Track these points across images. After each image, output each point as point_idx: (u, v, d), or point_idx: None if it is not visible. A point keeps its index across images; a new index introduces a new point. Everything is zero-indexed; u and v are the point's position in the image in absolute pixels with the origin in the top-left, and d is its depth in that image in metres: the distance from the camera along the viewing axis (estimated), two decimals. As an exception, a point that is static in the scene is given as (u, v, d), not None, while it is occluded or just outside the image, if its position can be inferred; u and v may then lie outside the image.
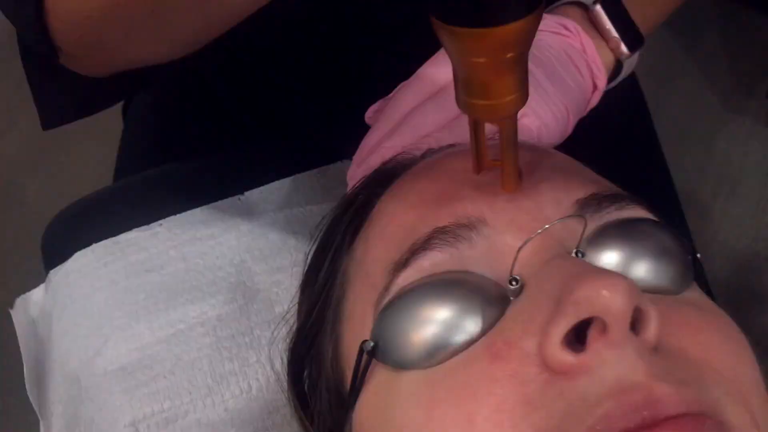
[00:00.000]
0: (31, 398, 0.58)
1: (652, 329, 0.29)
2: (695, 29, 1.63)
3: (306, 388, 0.45)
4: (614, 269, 0.34)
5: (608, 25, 0.55)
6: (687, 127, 1.56)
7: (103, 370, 0.54)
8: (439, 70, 0.50)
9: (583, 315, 0.28)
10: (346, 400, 0.38)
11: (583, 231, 0.34)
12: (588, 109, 0.56)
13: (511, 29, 0.29)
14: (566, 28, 0.54)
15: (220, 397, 0.54)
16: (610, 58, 0.56)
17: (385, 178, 0.43)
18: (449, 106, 0.49)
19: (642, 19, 0.57)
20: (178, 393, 0.54)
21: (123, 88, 0.56)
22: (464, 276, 0.34)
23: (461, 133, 0.47)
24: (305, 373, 0.45)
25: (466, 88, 0.33)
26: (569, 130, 0.54)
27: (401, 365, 0.34)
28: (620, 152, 0.79)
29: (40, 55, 0.49)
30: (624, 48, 0.56)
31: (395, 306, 0.35)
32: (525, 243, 0.33)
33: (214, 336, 0.56)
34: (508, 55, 0.31)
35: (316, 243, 0.46)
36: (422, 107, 0.50)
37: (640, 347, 0.29)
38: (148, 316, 0.56)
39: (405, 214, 0.38)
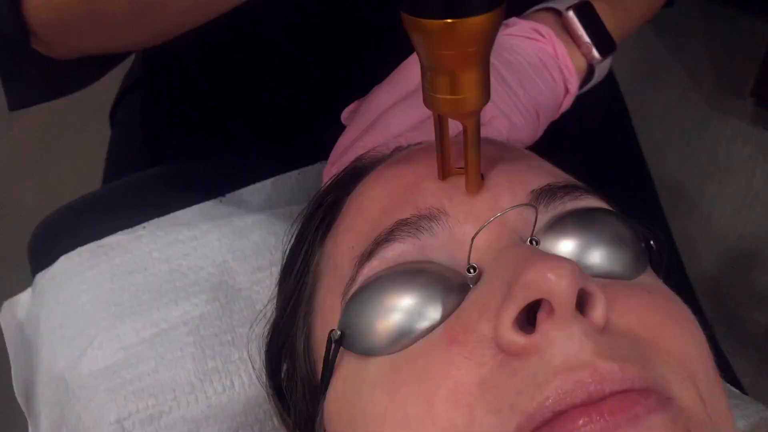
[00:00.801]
0: (19, 400, 0.59)
1: (598, 310, 0.31)
2: (679, 29, 1.65)
3: (283, 381, 0.46)
4: (569, 256, 0.36)
5: (580, 30, 0.57)
6: (673, 126, 1.58)
7: (89, 370, 0.55)
8: (411, 73, 0.52)
9: (531, 297, 0.30)
10: (318, 390, 0.40)
11: (535, 219, 0.36)
12: (560, 111, 0.58)
13: (475, 22, 0.32)
14: (539, 33, 0.56)
15: (203, 394, 0.55)
16: (582, 63, 0.58)
17: (354, 175, 0.45)
18: (421, 106, 0.50)
19: (614, 26, 0.58)
20: (162, 390, 0.55)
21: (93, 71, 0.56)
22: (426, 265, 0.36)
23: (431, 132, 0.49)
24: (283, 368, 0.47)
25: (432, 83, 0.35)
26: (539, 132, 0.56)
27: (367, 352, 0.35)
28: (599, 153, 0.80)
29: (10, 36, 0.49)
30: (596, 53, 0.57)
31: (361, 295, 0.36)
32: (478, 232, 0.34)
33: (197, 335, 0.57)
34: (471, 49, 0.33)
35: (291, 240, 0.47)
36: (394, 108, 0.51)
37: (587, 327, 0.30)
38: (132, 316, 0.57)
39: (371, 208, 0.40)
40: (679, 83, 1.64)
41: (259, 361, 0.47)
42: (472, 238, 0.34)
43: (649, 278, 0.37)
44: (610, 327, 0.32)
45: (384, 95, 0.52)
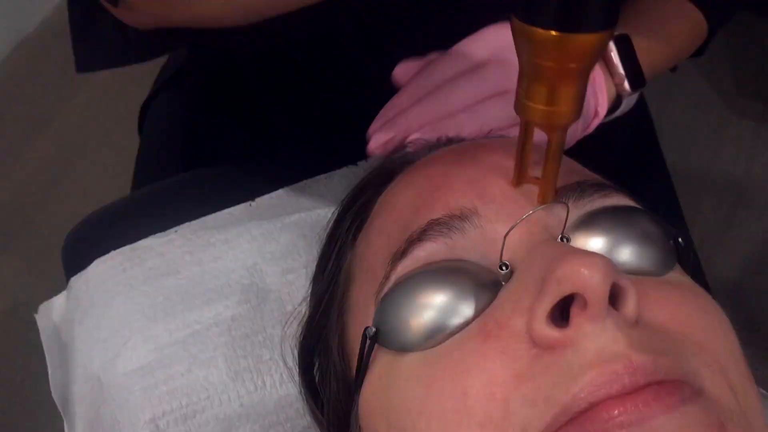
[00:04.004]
0: (56, 400, 0.61)
1: (630, 304, 0.32)
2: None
3: (316, 379, 0.47)
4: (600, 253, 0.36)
5: (617, 61, 0.58)
6: (692, 131, 1.58)
7: (123, 371, 0.57)
8: (477, 49, 0.52)
9: (565, 292, 0.31)
10: (352, 386, 0.40)
11: (566, 216, 0.37)
12: (585, 133, 0.59)
13: (586, 39, 0.32)
14: None
15: (235, 393, 0.56)
16: (612, 92, 0.59)
17: (385, 176, 0.46)
18: (480, 85, 0.51)
19: (647, 64, 0.60)
20: (195, 390, 0.56)
21: (163, 44, 0.57)
22: (458, 264, 0.37)
23: (483, 118, 0.50)
24: (315, 366, 0.48)
25: (528, 91, 0.35)
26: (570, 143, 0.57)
27: (402, 348, 0.36)
28: (620, 155, 0.81)
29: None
30: (627, 86, 0.59)
31: (394, 294, 0.37)
32: (510, 230, 0.35)
33: (228, 335, 0.58)
34: (575, 65, 0.33)
35: (323, 241, 0.48)
36: (454, 81, 0.52)
37: (620, 321, 0.31)
38: (165, 318, 0.59)
39: (402, 209, 0.41)
40: (698, 87, 1.64)
41: (292, 359, 0.48)
42: (505, 236, 0.35)
43: (677, 275, 0.38)
44: (642, 321, 0.32)
45: (445, 66, 0.53)
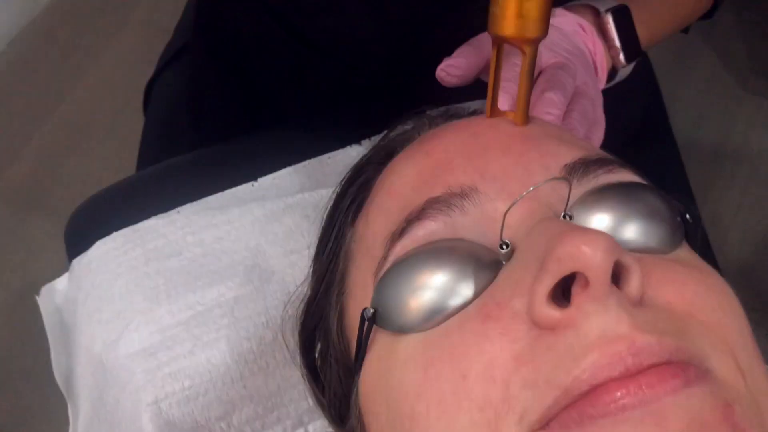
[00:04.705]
0: (59, 383, 0.60)
1: (634, 283, 0.30)
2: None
3: (317, 361, 0.47)
4: (604, 231, 0.35)
5: (614, 34, 0.58)
6: (704, 109, 1.56)
7: (126, 353, 0.56)
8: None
9: (565, 271, 0.30)
10: (352, 368, 0.40)
11: (569, 193, 0.36)
12: None
13: None
14: (582, 28, 0.56)
15: (238, 374, 0.56)
16: (608, 64, 0.59)
17: (384, 155, 0.45)
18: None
19: (645, 34, 0.59)
20: (198, 372, 0.55)
21: None
22: (457, 243, 0.36)
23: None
24: (317, 347, 0.47)
25: (501, 5, 0.39)
26: None
27: (400, 329, 0.35)
28: (630, 133, 0.80)
29: None
30: (622, 58, 0.58)
31: (393, 274, 0.36)
32: (510, 207, 0.34)
33: (231, 317, 0.58)
34: None
35: (323, 221, 0.47)
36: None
37: (623, 300, 0.30)
38: (167, 299, 0.58)
39: (401, 187, 0.40)
40: (711, 66, 1.62)
41: (293, 341, 0.47)
42: (504, 214, 0.34)
43: (685, 252, 0.37)
44: (646, 300, 0.31)
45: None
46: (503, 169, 0.37)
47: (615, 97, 0.62)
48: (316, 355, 0.46)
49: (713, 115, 1.56)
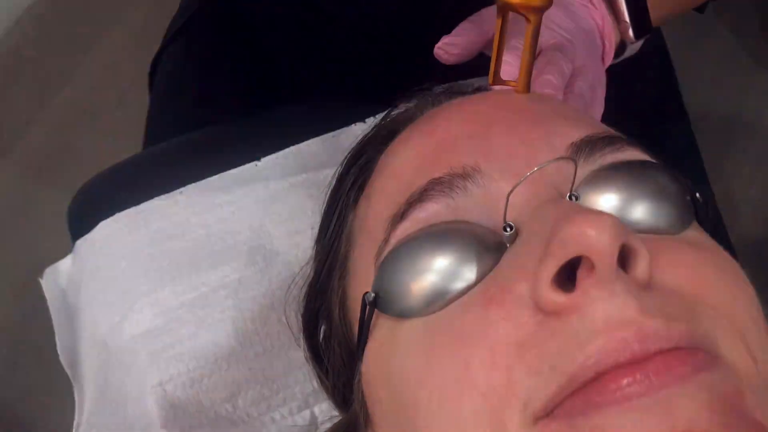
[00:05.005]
0: (64, 365, 0.60)
1: (642, 266, 0.30)
2: (723, -15, 1.60)
3: (321, 344, 0.46)
4: (610, 211, 0.34)
5: (623, 7, 0.56)
6: (717, 85, 1.54)
7: (130, 335, 0.56)
8: None
9: (570, 254, 0.29)
10: (355, 353, 0.39)
11: (575, 173, 0.35)
12: None
13: None
14: (591, 2, 0.55)
15: (243, 356, 0.55)
16: (617, 39, 0.57)
17: (387, 135, 0.44)
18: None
19: (656, 11, 0.57)
20: (202, 354, 0.55)
21: None
22: (461, 225, 0.35)
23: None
24: (320, 330, 0.46)
25: None
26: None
27: (402, 314, 0.35)
28: (641, 108, 0.79)
29: None
30: (631, 33, 0.56)
31: (394, 257, 0.35)
32: (513, 188, 0.33)
33: (236, 298, 0.57)
34: None
35: (326, 202, 0.47)
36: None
37: (630, 284, 0.29)
38: (171, 281, 0.58)
39: (403, 168, 0.39)
40: (724, 41, 1.60)
41: (297, 324, 0.47)
42: (508, 195, 0.33)
43: (695, 232, 0.36)
44: (654, 283, 0.30)
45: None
46: (507, 149, 0.36)
47: (628, 73, 0.61)
48: (320, 339, 0.46)
49: (726, 90, 1.54)
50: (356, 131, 0.63)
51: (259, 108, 0.74)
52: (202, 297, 0.57)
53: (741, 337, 0.31)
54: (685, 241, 0.34)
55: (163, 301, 0.57)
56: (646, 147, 0.39)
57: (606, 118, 0.64)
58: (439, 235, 0.35)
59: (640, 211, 0.35)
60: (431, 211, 0.36)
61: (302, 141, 0.64)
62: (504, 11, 0.41)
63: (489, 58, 0.49)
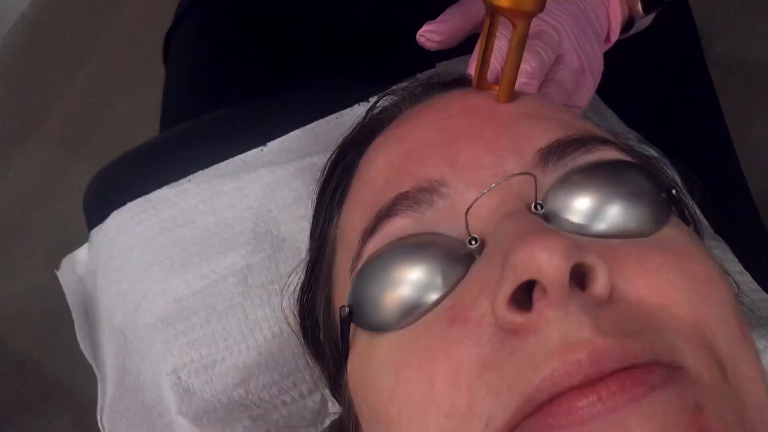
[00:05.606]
0: (84, 351, 0.62)
1: (599, 282, 0.29)
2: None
3: (317, 339, 0.47)
4: (579, 217, 0.34)
5: None
6: (748, 29, 1.49)
7: (144, 323, 0.58)
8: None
9: (522, 278, 0.29)
10: (342, 357, 0.40)
11: (535, 187, 0.34)
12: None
13: None
14: None
15: (254, 342, 0.56)
16: (625, 13, 0.55)
17: (366, 134, 0.44)
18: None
19: None
20: (214, 340, 0.56)
21: None
22: (430, 238, 0.35)
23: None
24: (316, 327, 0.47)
25: None
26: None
27: (376, 329, 0.35)
28: (668, 83, 0.77)
29: None
30: (640, 7, 0.55)
31: (365, 272, 0.36)
32: (470, 206, 0.34)
33: (245, 285, 0.58)
34: None
35: (314, 203, 0.47)
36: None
37: (587, 303, 0.29)
38: (183, 269, 0.59)
39: (375, 178, 0.39)
40: (748, 10, 1.54)
41: (294, 321, 0.48)
42: (466, 213, 0.34)
43: (670, 231, 0.35)
44: (616, 296, 0.30)
45: None
46: (473, 158, 0.36)
47: (648, 34, 0.59)
48: (317, 335, 0.46)
49: (750, 61, 1.49)
50: (359, 111, 0.63)
51: (271, 83, 0.74)
52: (213, 284, 0.58)
53: (707, 345, 0.30)
54: (654, 245, 0.34)
55: (175, 289, 0.58)
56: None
57: (624, 80, 0.63)
58: (408, 249, 0.35)
59: (610, 215, 0.34)
60: (400, 226, 0.36)
61: (307, 123, 0.64)
62: (492, 11, 0.39)
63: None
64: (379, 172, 0.39)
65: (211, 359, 0.56)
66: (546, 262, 0.28)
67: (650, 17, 0.57)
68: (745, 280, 0.61)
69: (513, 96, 0.40)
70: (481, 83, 0.41)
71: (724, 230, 0.65)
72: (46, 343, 1.28)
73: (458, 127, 0.38)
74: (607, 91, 0.68)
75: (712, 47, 1.32)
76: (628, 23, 0.56)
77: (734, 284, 0.42)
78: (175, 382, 0.55)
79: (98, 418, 0.61)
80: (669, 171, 0.45)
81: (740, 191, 0.75)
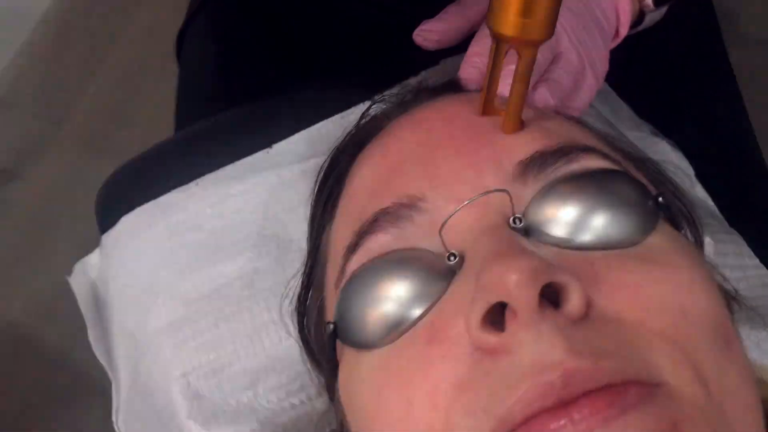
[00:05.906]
0: (97, 354, 0.63)
1: (573, 301, 0.29)
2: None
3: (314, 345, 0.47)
4: (561, 228, 0.34)
5: None
6: (763, 37, 1.45)
7: (154, 328, 0.58)
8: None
9: (493, 300, 0.29)
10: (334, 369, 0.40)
11: (511, 203, 0.34)
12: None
13: None
14: None
15: (261, 345, 0.57)
16: (635, 8, 0.54)
17: (357, 142, 0.44)
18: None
19: None
20: (222, 344, 0.57)
21: None
22: (411, 253, 0.35)
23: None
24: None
25: (504, 2, 0.35)
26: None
27: (360, 346, 0.35)
28: (686, 66, 0.75)
29: None
30: (650, 1, 0.54)
31: (348, 289, 0.36)
32: (443, 224, 0.33)
33: (252, 288, 0.58)
34: None
35: (310, 212, 0.47)
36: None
37: (560, 322, 0.29)
38: (191, 273, 0.59)
39: (360, 193, 0.40)
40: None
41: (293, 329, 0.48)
42: (440, 229, 0.33)
43: (655, 240, 0.34)
44: (594, 313, 0.30)
45: None
46: (453, 173, 0.36)
47: (664, 23, 0.58)
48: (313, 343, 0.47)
49: None
50: (362, 110, 0.63)
51: (280, 84, 0.73)
52: (220, 288, 0.59)
53: (688, 359, 0.30)
54: (636, 257, 0.33)
55: (184, 294, 0.59)
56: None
57: (639, 69, 0.61)
58: (390, 266, 0.35)
59: (593, 226, 0.34)
60: (381, 242, 0.36)
61: (313, 124, 0.63)
62: (497, 38, 0.37)
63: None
64: (364, 186, 0.39)
65: (219, 363, 0.57)
66: (514, 284, 0.28)
67: (662, 11, 0.55)
68: (761, 274, 0.60)
69: (520, 126, 0.38)
70: (487, 110, 0.40)
71: (743, 222, 0.64)
72: (75, 337, 1.30)
73: (439, 139, 0.38)
74: (620, 81, 0.67)
75: (735, 28, 1.28)
76: (639, 18, 0.55)
77: (732, 287, 0.42)
78: (185, 386, 0.56)
79: (113, 420, 0.62)
80: (664, 174, 0.44)
81: (761, 183, 0.73)
